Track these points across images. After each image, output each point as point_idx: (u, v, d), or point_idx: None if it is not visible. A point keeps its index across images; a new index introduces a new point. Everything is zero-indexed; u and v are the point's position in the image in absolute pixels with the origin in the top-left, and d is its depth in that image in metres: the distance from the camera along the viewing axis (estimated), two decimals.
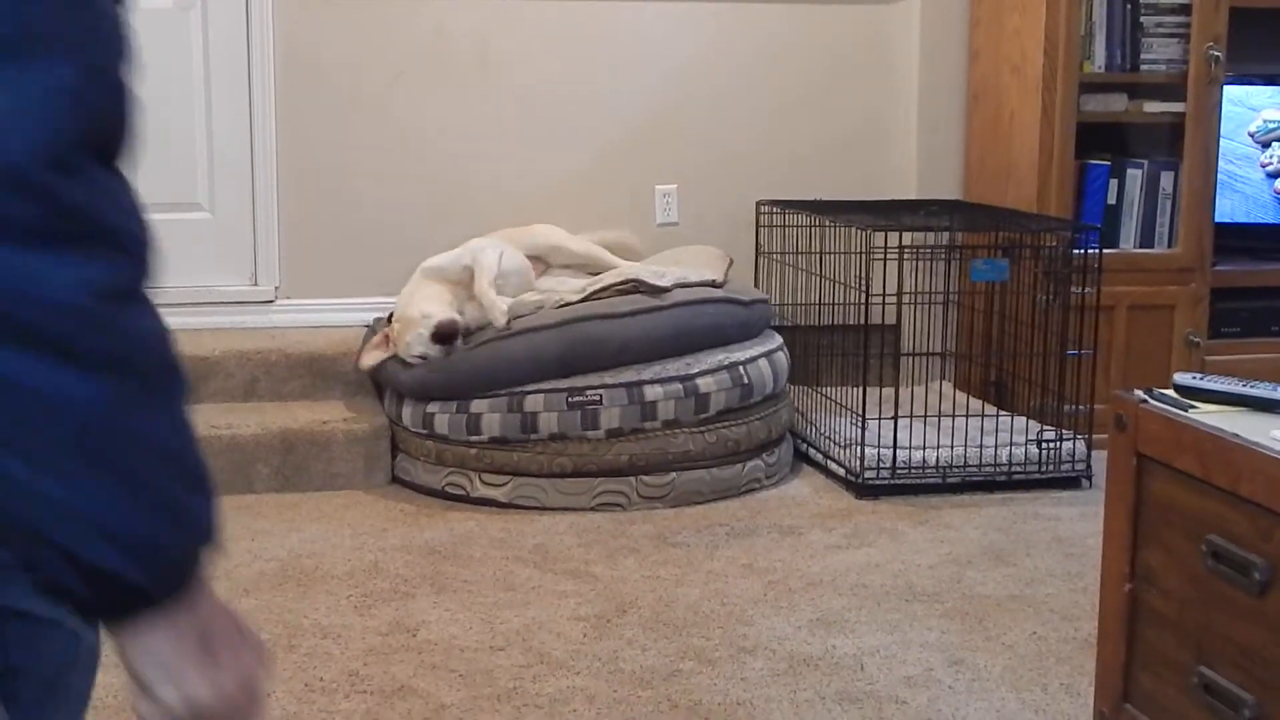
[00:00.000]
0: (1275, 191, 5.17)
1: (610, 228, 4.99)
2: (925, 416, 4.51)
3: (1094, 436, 4.37)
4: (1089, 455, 4.49)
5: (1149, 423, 2.39)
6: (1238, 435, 2.20)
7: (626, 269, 4.63)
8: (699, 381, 4.37)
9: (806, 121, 5.32)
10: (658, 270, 4.62)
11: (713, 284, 4.68)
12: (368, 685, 3.07)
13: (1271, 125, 5.14)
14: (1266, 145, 5.15)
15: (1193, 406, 2.36)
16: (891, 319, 4.54)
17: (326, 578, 3.71)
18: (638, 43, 5.19)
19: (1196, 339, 4.99)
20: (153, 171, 5.13)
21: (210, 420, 4.42)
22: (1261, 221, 5.20)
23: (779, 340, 4.70)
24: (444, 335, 4.29)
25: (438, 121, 5.07)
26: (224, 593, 3.56)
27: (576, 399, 4.27)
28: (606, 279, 4.56)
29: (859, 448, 4.44)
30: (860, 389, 4.49)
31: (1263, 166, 5.16)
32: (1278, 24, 5.23)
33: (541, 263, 4.76)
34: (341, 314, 4.98)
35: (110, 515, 0.93)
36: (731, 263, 4.92)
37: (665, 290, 4.49)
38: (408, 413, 4.41)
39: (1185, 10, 4.95)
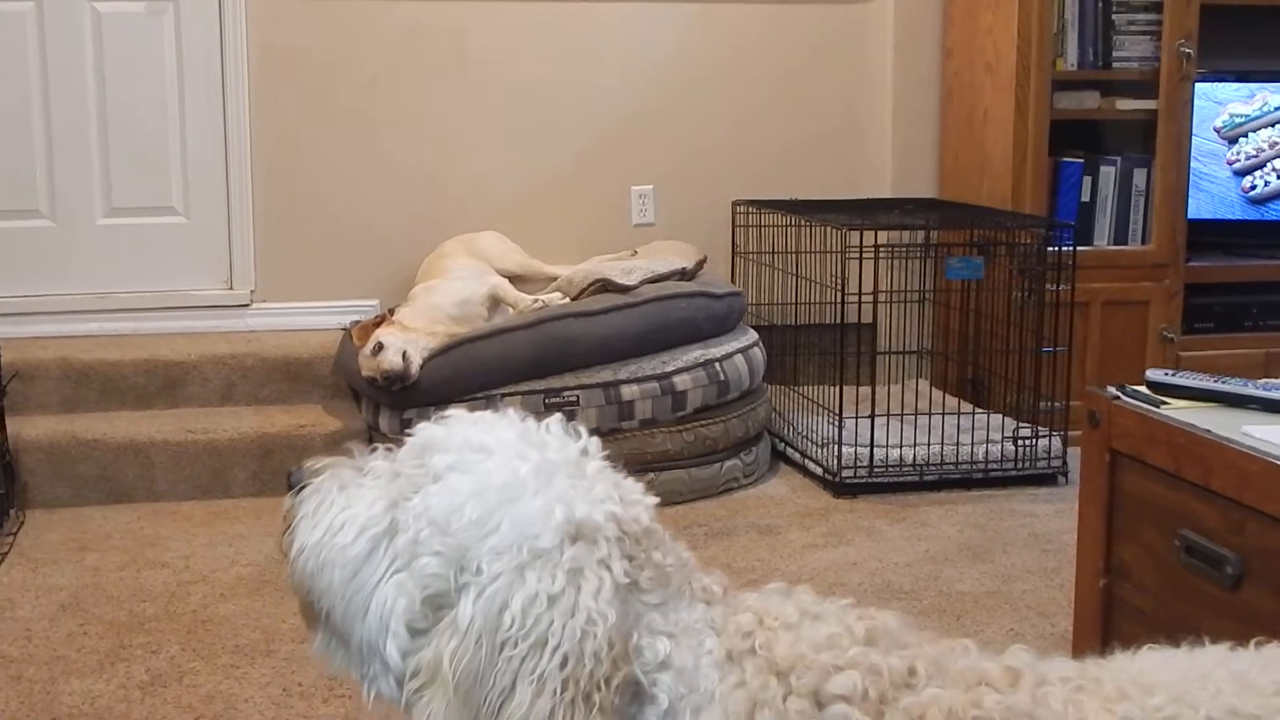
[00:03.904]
0: (1243, 190, 5.19)
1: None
2: (902, 415, 4.52)
3: (1070, 433, 4.38)
4: (1065, 451, 4.50)
5: (1122, 419, 2.40)
6: (1209, 430, 2.21)
7: (592, 269, 4.63)
8: (675, 379, 4.37)
9: (782, 121, 5.33)
10: (625, 267, 4.63)
11: (682, 272, 4.70)
12: (346, 689, 3.07)
13: (1239, 119, 5.16)
14: (1233, 141, 5.17)
15: (1165, 403, 2.37)
16: (868, 318, 4.55)
17: None
18: (614, 43, 5.19)
19: (1170, 334, 5.01)
20: (127, 176, 5.16)
21: (186, 425, 4.41)
22: (1228, 218, 5.22)
23: (754, 336, 4.71)
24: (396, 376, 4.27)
25: (414, 124, 5.06)
26: (201, 598, 3.57)
27: (554, 400, 4.26)
28: (575, 284, 4.57)
29: (836, 446, 4.45)
30: (837, 388, 4.50)
31: (1230, 164, 5.18)
32: (1248, 20, 5.26)
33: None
34: (318, 317, 4.97)
35: None
36: (705, 258, 4.93)
37: (632, 288, 4.50)
38: (385, 420, 4.40)
39: (1157, 8, 4.97)
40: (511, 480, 1.34)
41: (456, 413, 1.45)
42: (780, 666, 1.27)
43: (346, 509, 1.38)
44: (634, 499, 1.40)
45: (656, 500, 1.44)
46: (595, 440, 1.44)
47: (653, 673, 1.30)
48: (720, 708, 1.28)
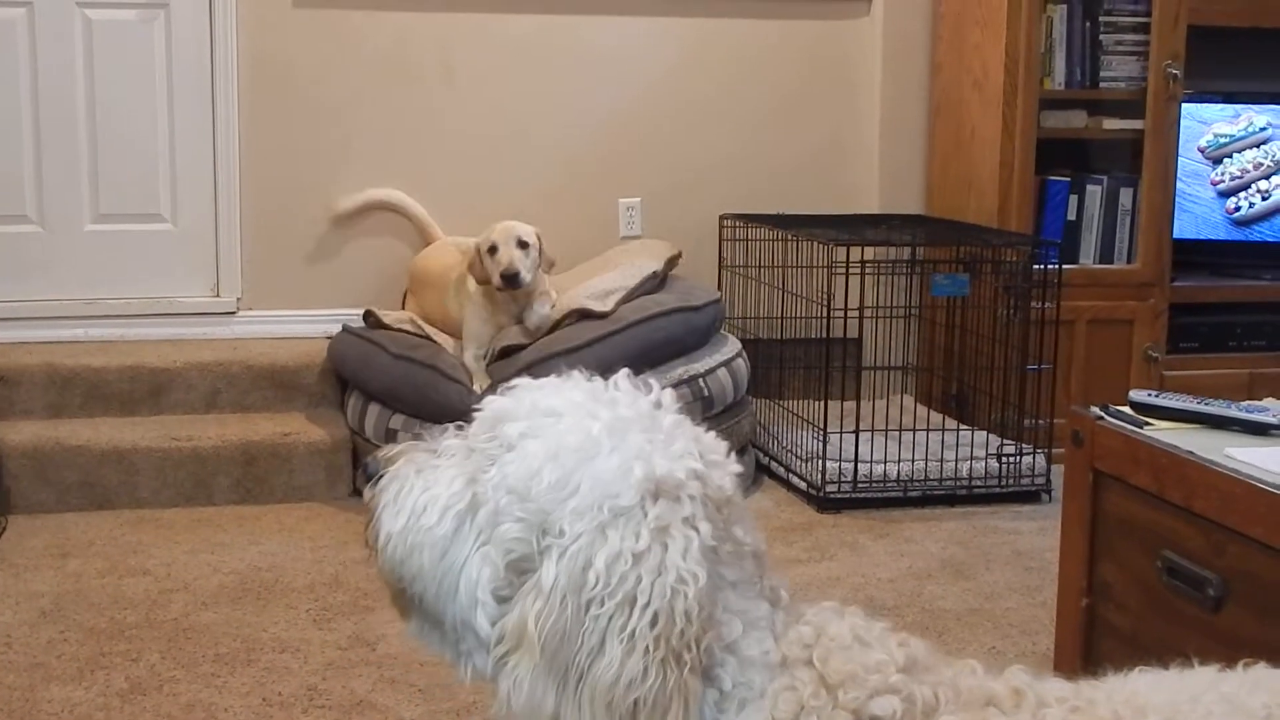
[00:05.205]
0: (1227, 212, 5.22)
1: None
2: (886, 430, 4.53)
3: (1053, 450, 4.39)
4: (1048, 469, 4.51)
5: (1105, 439, 2.41)
6: (1191, 452, 2.22)
7: (567, 299, 4.59)
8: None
9: (770, 136, 5.34)
10: (601, 290, 4.59)
11: (654, 275, 4.70)
12: (327, 700, 3.07)
13: (1223, 139, 5.18)
14: (1217, 161, 5.19)
15: (1148, 423, 2.39)
16: (853, 333, 4.56)
17: (286, 591, 3.69)
18: (602, 57, 5.20)
19: (1155, 354, 5.03)
20: (114, 182, 5.16)
21: (171, 432, 4.40)
22: (1213, 238, 5.25)
23: (737, 346, 4.71)
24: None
25: (402, 134, 5.07)
26: (182, 606, 3.56)
27: None
28: (550, 317, 4.52)
29: (820, 461, 4.46)
30: (822, 402, 4.51)
31: (1214, 185, 5.20)
32: (1235, 42, 5.28)
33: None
34: (304, 326, 4.96)
35: None
36: (679, 254, 4.94)
37: (610, 313, 4.47)
38: (370, 425, 4.40)
39: (1144, 28, 5.00)
40: (585, 440, 1.32)
41: (522, 381, 1.43)
42: (831, 681, 1.29)
43: (427, 490, 1.38)
44: (716, 459, 1.38)
45: (740, 469, 1.41)
46: (669, 392, 1.42)
47: (721, 652, 1.30)
48: (768, 704, 1.29)
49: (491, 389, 4.16)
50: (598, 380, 1.41)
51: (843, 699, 1.28)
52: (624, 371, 1.42)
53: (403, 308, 4.87)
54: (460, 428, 1.43)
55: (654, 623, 1.25)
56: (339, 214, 5.01)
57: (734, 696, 1.30)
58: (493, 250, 4.33)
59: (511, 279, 4.30)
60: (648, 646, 1.24)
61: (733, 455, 1.41)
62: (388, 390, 4.39)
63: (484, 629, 1.34)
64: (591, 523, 1.28)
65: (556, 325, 4.49)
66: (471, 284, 4.46)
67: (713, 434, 1.41)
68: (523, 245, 4.34)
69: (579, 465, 1.31)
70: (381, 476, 1.42)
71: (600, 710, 1.25)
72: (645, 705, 1.24)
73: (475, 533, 1.35)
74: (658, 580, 1.26)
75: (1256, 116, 5.19)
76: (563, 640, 1.26)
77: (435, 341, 4.50)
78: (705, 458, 1.36)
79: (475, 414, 1.42)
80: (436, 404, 4.21)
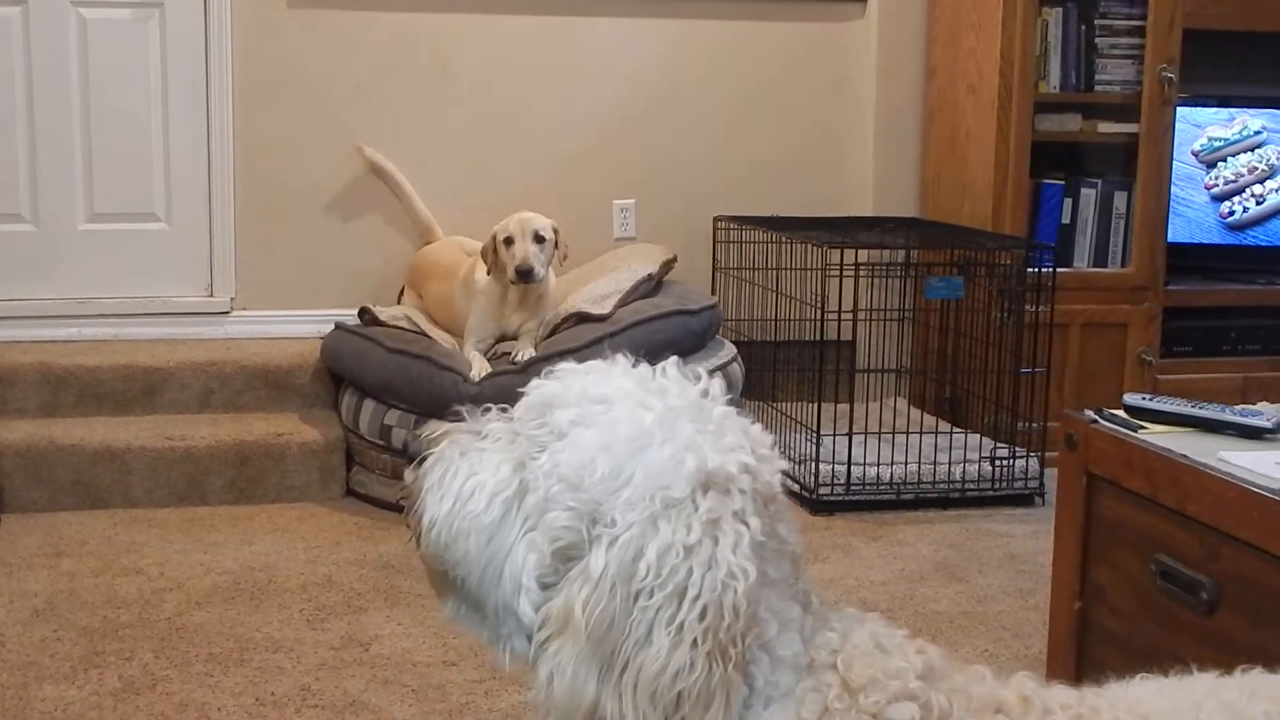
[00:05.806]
0: (1221, 216, 5.22)
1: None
2: (880, 433, 4.53)
3: (1047, 454, 4.39)
4: (1042, 473, 4.52)
5: (1099, 442, 2.41)
6: (1185, 456, 2.22)
7: (566, 305, 4.60)
8: None
9: (764, 138, 5.34)
10: (597, 294, 4.60)
11: (649, 278, 4.70)
12: (319, 700, 3.06)
13: (1217, 143, 5.19)
14: (1211, 165, 5.20)
15: (1142, 427, 2.39)
16: (847, 335, 4.56)
17: (279, 591, 3.69)
18: (598, 57, 5.20)
19: (1149, 358, 5.04)
20: (109, 181, 5.15)
21: (164, 432, 4.40)
22: (1206, 242, 5.25)
23: (732, 351, 4.71)
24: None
25: (397, 134, 5.06)
26: (175, 605, 3.55)
27: None
28: (548, 321, 4.53)
29: (814, 464, 4.46)
30: (815, 405, 4.51)
31: (1208, 189, 5.21)
32: (1230, 46, 5.29)
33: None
34: (298, 326, 4.96)
35: None
36: (674, 258, 4.94)
37: (608, 316, 4.48)
38: (365, 422, 4.40)
39: (1139, 32, 5.00)
40: (638, 431, 1.31)
41: (567, 365, 1.42)
42: (854, 685, 1.30)
43: (473, 475, 1.37)
44: (764, 453, 1.38)
45: (787, 465, 1.41)
46: (718, 382, 1.41)
47: (758, 650, 1.30)
48: (794, 705, 1.30)
49: (490, 377, 4.19)
50: (644, 366, 1.40)
51: (864, 703, 1.29)
52: (673, 359, 1.41)
53: (398, 302, 4.86)
54: (504, 410, 1.42)
55: (703, 616, 1.24)
56: (370, 161, 4.99)
57: (762, 694, 1.31)
58: (509, 242, 4.34)
59: (526, 274, 4.31)
60: (695, 640, 1.24)
61: (778, 450, 1.40)
62: (383, 384, 4.38)
63: (527, 614, 1.33)
64: (643, 513, 1.28)
65: (555, 329, 4.49)
66: (480, 279, 4.46)
67: (759, 426, 1.41)
68: (539, 240, 4.35)
69: (632, 456, 1.30)
70: (425, 458, 1.40)
71: (644, 700, 1.25)
72: (689, 698, 1.24)
73: (522, 519, 1.34)
74: (708, 574, 1.26)
75: (1251, 120, 5.19)
76: (609, 628, 1.26)
77: (430, 337, 4.50)
78: (755, 451, 1.36)
79: (521, 396, 1.40)
80: (431, 395, 4.21)
